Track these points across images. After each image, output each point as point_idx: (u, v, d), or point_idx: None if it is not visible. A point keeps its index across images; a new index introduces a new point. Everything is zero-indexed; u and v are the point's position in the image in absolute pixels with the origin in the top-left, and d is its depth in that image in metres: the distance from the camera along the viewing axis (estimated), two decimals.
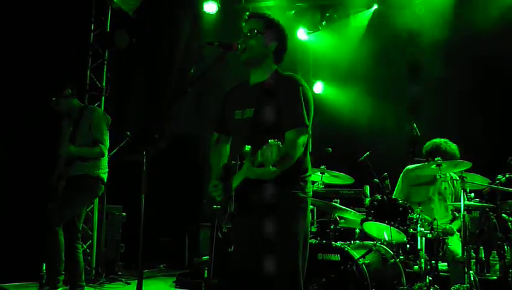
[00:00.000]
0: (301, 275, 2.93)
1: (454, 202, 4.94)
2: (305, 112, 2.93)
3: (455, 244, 4.64)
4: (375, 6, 7.62)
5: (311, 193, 3.07)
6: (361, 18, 7.70)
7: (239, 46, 3.05)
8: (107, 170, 5.04)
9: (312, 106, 3.01)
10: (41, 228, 4.89)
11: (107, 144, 4.98)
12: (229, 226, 3.09)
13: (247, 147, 2.78)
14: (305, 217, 3.01)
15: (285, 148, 2.65)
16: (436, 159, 4.69)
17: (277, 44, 3.10)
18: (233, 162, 3.03)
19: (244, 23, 3.10)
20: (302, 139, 2.86)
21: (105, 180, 5.00)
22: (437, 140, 5.07)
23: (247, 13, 3.18)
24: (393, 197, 4.95)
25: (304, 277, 2.95)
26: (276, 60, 3.14)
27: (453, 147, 4.99)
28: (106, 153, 4.96)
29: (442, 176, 4.54)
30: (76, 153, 4.81)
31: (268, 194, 2.89)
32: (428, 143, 5.12)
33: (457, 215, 4.76)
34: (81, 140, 4.88)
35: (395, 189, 5.21)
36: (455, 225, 4.74)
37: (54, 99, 5.00)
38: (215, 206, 3.13)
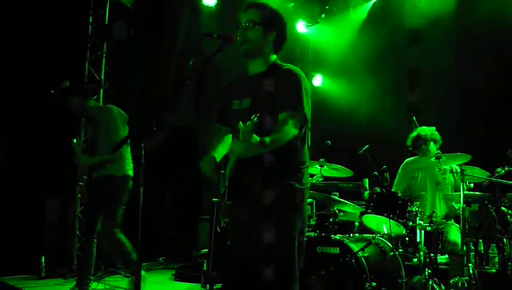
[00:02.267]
0: (296, 267, 2.92)
1: (454, 191, 4.96)
2: (302, 99, 2.92)
3: (454, 234, 4.65)
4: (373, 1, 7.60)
5: (308, 185, 3.06)
6: (361, 10, 7.67)
7: (238, 38, 3.02)
8: (132, 165, 5.02)
9: (310, 98, 3.00)
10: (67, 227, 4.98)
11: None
12: (227, 220, 3.08)
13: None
14: (303, 209, 3.00)
15: (275, 127, 2.66)
16: (435, 152, 4.69)
17: (276, 34, 3.08)
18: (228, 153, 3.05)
19: (242, 14, 3.08)
20: (294, 121, 2.84)
21: (132, 175, 5.01)
22: (419, 129, 5.11)
23: (246, 3, 3.14)
24: (392, 190, 4.95)
25: (300, 269, 2.95)
26: (276, 50, 3.13)
27: (431, 131, 5.06)
28: (127, 150, 4.97)
29: (442, 169, 4.54)
30: (94, 162, 4.90)
31: (265, 185, 2.89)
32: (409, 136, 5.17)
33: (456, 207, 4.77)
34: (102, 142, 4.93)
35: (394, 182, 5.22)
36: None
37: (52, 92, 4.99)
38: (214, 199, 3.13)
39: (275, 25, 3.07)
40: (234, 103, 3.11)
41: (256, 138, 2.65)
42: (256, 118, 2.62)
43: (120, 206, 4.96)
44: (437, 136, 5.08)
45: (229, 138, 3.28)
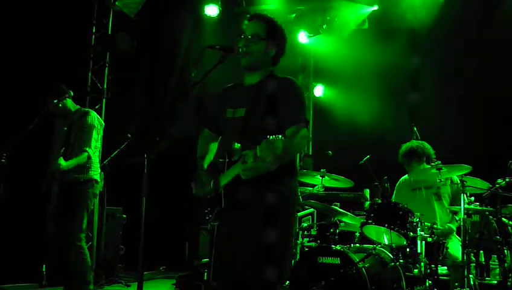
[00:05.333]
0: (284, 271, 2.98)
1: (451, 202, 4.97)
2: (305, 111, 3.00)
3: (455, 248, 4.65)
4: (375, 7, 7.63)
5: (298, 191, 3.14)
6: (362, 21, 7.71)
7: (240, 50, 3.05)
8: (99, 170, 5.01)
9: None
10: (59, 242, 4.88)
11: (98, 146, 5.00)
12: (215, 224, 3.10)
13: (237, 145, 2.84)
14: (292, 215, 3.06)
15: (286, 143, 2.67)
16: (436, 162, 4.70)
17: (276, 50, 3.13)
18: (220, 159, 3.05)
19: (246, 25, 3.11)
20: (303, 134, 2.88)
21: (99, 179, 4.98)
22: (411, 143, 5.11)
23: (249, 14, 3.19)
24: (392, 200, 4.97)
25: (287, 275, 2.98)
26: (274, 63, 3.18)
27: (427, 147, 5.04)
28: (96, 154, 4.95)
29: (442, 180, 4.55)
30: (67, 168, 4.79)
31: (256, 190, 2.91)
32: (403, 147, 5.16)
33: (456, 218, 4.77)
34: (74, 143, 4.89)
35: (393, 195, 5.22)
36: (453, 225, 4.77)
37: (55, 101, 5.00)
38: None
39: (277, 40, 3.12)
40: (228, 111, 3.13)
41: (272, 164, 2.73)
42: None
43: (82, 213, 4.88)
44: (421, 151, 5.03)
45: (215, 145, 3.32)
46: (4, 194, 6.34)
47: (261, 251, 2.85)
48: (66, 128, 5.00)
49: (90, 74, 7.22)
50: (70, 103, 5.08)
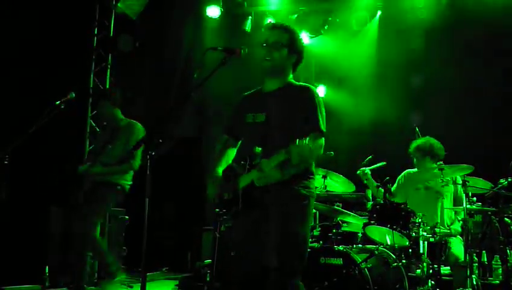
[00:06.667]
0: (300, 270, 3.08)
1: (454, 201, 4.96)
2: (322, 119, 3.14)
3: (458, 247, 4.65)
4: (379, 13, 7.65)
5: (315, 193, 3.22)
6: (364, 22, 7.71)
7: (266, 60, 3.19)
8: (131, 182, 5.11)
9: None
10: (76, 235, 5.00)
11: (139, 158, 5.03)
12: (228, 226, 3.20)
13: (258, 149, 3.01)
14: (309, 215, 3.14)
15: (311, 149, 2.83)
16: (438, 163, 4.70)
17: (297, 57, 3.30)
18: (242, 162, 3.16)
19: (268, 32, 3.27)
20: (320, 143, 3.03)
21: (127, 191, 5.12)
22: (431, 140, 5.11)
23: (271, 23, 3.31)
24: (392, 190, 4.98)
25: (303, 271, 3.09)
26: (293, 70, 3.33)
27: (442, 147, 5.04)
28: (136, 167, 5.01)
29: (444, 180, 4.55)
30: (103, 173, 4.96)
31: (273, 191, 3.04)
32: (423, 140, 5.14)
33: (459, 218, 4.77)
34: (114, 152, 5.00)
35: (393, 187, 5.20)
36: (456, 226, 4.77)
37: (58, 103, 5.03)
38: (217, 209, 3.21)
39: (297, 49, 3.28)
40: (248, 116, 3.27)
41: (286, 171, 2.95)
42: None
43: (104, 212, 5.14)
44: (436, 150, 5.04)
45: (233, 151, 3.42)
46: (7, 195, 6.37)
47: (284, 245, 3.00)
48: (108, 135, 5.16)
49: (92, 76, 7.23)
50: (119, 112, 5.23)
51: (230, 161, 3.36)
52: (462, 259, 4.39)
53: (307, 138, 2.91)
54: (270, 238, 3.03)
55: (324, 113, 3.17)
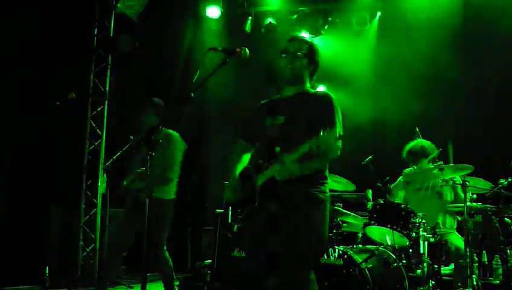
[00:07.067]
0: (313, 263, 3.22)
1: (454, 201, 4.97)
2: (339, 124, 3.30)
3: (457, 240, 4.65)
4: (379, 13, 7.65)
5: (329, 198, 3.36)
6: (364, 22, 7.71)
7: (287, 68, 3.35)
8: (175, 189, 5.06)
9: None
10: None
11: (178, 169, 4.99)
12: (240, 226, 3.26)
13: (277, 149, 3.16)
14: (325, 217, 3.27)
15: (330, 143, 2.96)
16: (438, 163, 4.70)
17: (314, 67, 3.49)
18: (260, 161, 3.28)
19: (287, 43, 3.43)
20: (333, 138, 3.07)
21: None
22: (420, 142, 5.12)
23: (291, 35, 3.64)
24: (391, 187, 4.98)
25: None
26: (310, 79, 3.51)
27: (433, 147, 5.06)
28: (175, 178, 4.97)
29: (443, 180, 4.55)
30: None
31: (291, 193, 3.16)
32: (413, 144, 5.16)
33: (458, 218, 4.78)
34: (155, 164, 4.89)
35: (393, 185, 5.21)
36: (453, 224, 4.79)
37: (57, 103, 5.02)
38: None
39: (315, 59, 3.48)
40: (267, 119, 3.40)
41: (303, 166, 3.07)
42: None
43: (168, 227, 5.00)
44: (429, 150, 5.05)
45: (248, 156, 3.57)
46: (7, 197, 6.38)
47: (288, 248, 3.14)
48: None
49: (92, 76, 7.24)
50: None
51: (245, 164, 3.50)
52: (463, 251, 4.39)
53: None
54: (286, 235, 3.15)
55: (341, 118, 3.35)
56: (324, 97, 3.39)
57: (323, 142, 2.89)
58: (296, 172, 3.08)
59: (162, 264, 4.89)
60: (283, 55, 3.39)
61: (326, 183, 3.38)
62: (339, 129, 3.24)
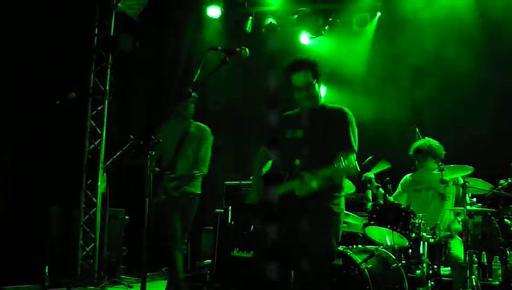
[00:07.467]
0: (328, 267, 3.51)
1: (456, 202, 4.96)
2: (354, 137, 3.48)
3: (457, 248, 4.64)
4: (379, 14, 7.65)
5: (343, 210, 3.59)
6: (364, 22, 7.70)
7: (306, 101, 3.58)
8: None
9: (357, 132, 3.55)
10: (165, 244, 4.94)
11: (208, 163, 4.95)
12: (258, 227, 3.45)
13: (297, 161, 3.37)
14: (337, 230, 3.49)
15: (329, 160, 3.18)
16: (439, 164, 4.69)
17: (320, 76, 3.69)
18: (281, 172, 3.50)
19: (294, 77, 3.59)
20: (351, 159, 3.24)
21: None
22: (430, 140, 5.10)
23: (292, 62, 3.63)
24: (393, 196, 4.97)
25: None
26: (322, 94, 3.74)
27: (435, 147, 5.03)
28: (205, 173, 4.93)
29: (443, 181, 4.55)
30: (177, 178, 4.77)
31: (309, 205, 3.35)
32: (421, 142, 5.13)
33: (459, 219, 4.77)
34: (187, 158, 4.85)
35: (393, 194, 5.21)
36: (457, 225, 4.77)
37: (57, 103, 5.02)
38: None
39: (320, 75, 3.68)
40: (287, 132, 3.63)
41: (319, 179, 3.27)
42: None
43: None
44: (437, 150, 5.03)
45: (270, 163, 3.80)
46: (7, 197, 6.39)
47: (315, 252, 3.35)
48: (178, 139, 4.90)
49: (92, 76, 7.23)
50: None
51: (267, 169, 3.75)
52: (462, 260, 4.38)
53: (339, 154, 3.19)
54: (303, 245, 3.34)
55: (356, 132, 3.51)
56: (339, 112, 3.59)
57: (343, 169, 3.10)
58: (315, 190, 3.25)
59: (175, 261, 4.92)
60: (298, 90, 3.56)
61: (342, 196, 3.57)
62: (353, 143, 3.43)
